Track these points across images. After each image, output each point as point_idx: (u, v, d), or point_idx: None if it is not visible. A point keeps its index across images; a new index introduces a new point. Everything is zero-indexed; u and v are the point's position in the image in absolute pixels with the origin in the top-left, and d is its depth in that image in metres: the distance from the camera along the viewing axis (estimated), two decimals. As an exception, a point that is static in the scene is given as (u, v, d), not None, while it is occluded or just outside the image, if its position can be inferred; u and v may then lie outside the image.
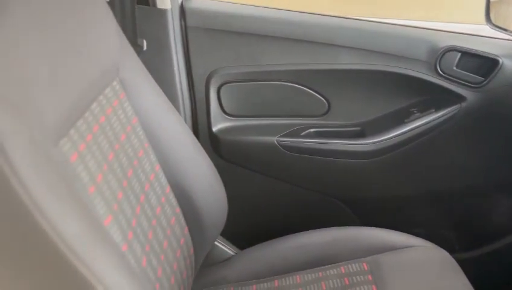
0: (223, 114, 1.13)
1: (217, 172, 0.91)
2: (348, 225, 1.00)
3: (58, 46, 0.58)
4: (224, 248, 1.11)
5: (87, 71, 0.65)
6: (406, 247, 0.92)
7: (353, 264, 0.89)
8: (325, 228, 0.98)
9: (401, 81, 1.08)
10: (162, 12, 1.01)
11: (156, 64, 1.02)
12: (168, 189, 0.81)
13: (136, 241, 0.66)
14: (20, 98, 0.47)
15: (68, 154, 0.56)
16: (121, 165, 0.69)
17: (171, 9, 1.02)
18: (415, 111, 1.08)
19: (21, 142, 0.44)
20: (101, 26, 0.73)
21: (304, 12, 1.11)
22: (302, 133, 1.13)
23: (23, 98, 0.47)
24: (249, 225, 1.19)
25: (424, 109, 1.08)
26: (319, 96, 1.13)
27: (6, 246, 0.45)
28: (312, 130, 1.14)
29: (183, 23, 1.05)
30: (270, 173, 1.17)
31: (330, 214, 1.22)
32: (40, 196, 0.44)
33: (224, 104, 1.12)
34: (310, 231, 0.98)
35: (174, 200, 0.82)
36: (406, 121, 1.08)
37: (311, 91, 1.12)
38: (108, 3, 0.95)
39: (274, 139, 1.11)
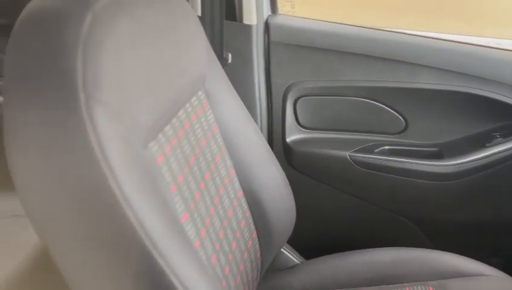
0: (298, 126, 1.17)
1: (287, 181, 0.94)
2: (416, 246, 0.98)
3: (154, 59, 0.65)
4: (290, 255, 1.14)
5: (178, 81, 0.72)
6: (477, 275, 0.89)
7: (419, 287, 0.88)
8: (392, 247, 0.97)
9: (483, 104, 1.05)
10: (248, 28, 1.07)
11: (238, 76, 1.09)
12: (240, 193, 0.87)
13: (208, 239, 0.72)
14: (120, 104, 0.54)
15: (155, 156, 0.63)
16: (200, 168, 0.75)
17: (257, 25, 1.08)
18: (498, 136, 1.04)
19: (118, 144, 0.52)
20: (192, 40, 0.80)
21: (384, 31, 1.12)
22: (376, 150, 1.13)
23: (122, 104, 0.54)
24: (316, 236, 1.21)
25: (507, 134, 1.03)
26: (396, 114, 1.12)
27: (98, 235, 0.53)
28: (386, 147, 1.14)
29: (266, 38, 1.10)
30: (340, 186, 1.18)
31: (399, 233, 1.20)
32: (130, 191, 0.51)
33: (299, 116, 1.16)
34: (377, 248, 0.98)
35: (245, 205, 0.87)
36: (487, 145, 1.04)
37: (388, 108, 1.12)
38: (200, 18, 1.03)
39: (347, 153, 1.12)
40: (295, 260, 1.10)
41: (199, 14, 1.06)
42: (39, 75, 0.50)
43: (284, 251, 1.13)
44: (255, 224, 0.89)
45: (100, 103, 0.50)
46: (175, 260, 0.53)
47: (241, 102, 0.90)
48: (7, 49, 0.52)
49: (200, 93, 0.81)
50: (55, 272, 0.56)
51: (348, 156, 1.12)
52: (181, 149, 0.71)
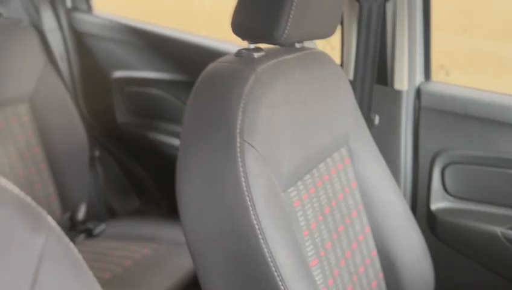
0: (445, 194, 1.12)
1: (427, 249, 0.92)
2: None
3: (303, 115, 0.74)
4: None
5: (322, 137, 0.79)
6: None
7: None
8: None
9: None
10: (398, 93, 1.11)
11: (384, 137, 1.12)
12: (374, 252, 0.87)
13: (334, 289, 0.75)
14: (267, 150, 0.63)
15: (293, 200, 0.70)
16: (333, 219, 0.79)
17: (407, 90, 1.11)
18: None
19: (261, 183, 0.61)
20: (341, 101, 0.87)
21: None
22: (535, 231, 1.02)
23: (269, 151, 0.64)
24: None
25: None
26: None
27: (236, 257, 0.61)
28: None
29: (417, 103, 1.12)
30: (488, 265, 1.08)
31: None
32: (267, 225, 0.59)
33: (447, 184, 1.12)
34: None
35: (378, 265, 0.87)
36: None
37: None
38: (351, 82, 1.10)
39: (499, 230, 1.03)
40: None
41: (351, 78, 1.13)
42: (208, 120, 0.63)
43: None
44: (387, 286, 0.88)
45: (251, 147, 0.61)
46: None
47: (384, 163, 0.93)
48: (189, 99, 0.67)
49: (342, 149, 0.87)
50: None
51: (499, 233, 1.03)
52: (317, 198, 0.76)
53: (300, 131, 0.73)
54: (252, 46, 0.72)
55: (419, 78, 1.12)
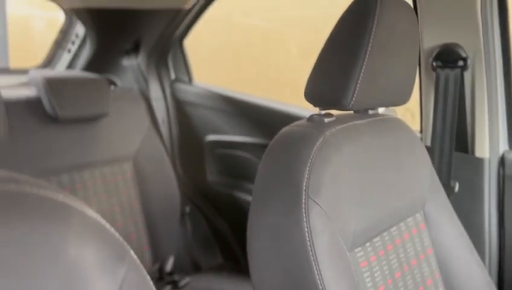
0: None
1: None
2: None
3: (372, 178, 0.77)
4: None
5: (393, 201, 0.81)
6: None
7: None
8: None
9: None
10: (480, 161, 1.08)
11: (465, 206, 1.08)
12: (450, 325, 0.84)
13: None
14: (332, 209, 0.67)
15: (359, 260, 0.72)
16: (405, 286, 0.79)
17: (490, 158, 1.08)
18: None
19: (325, 240, 0.64)
20: (416, 167, 0.89)
21: None
22: None
23: (334, 209, 0.68)
24: None
25: None
26: None
27: None
28: None
29: (501, 171, 1.08)
30: None
31: None
32: (330, 283, 0.62)
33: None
34: None
35: None
36: None
37: None
38: (428, 148, 1.11)
39: None
40: None
41: (429, 144, 1.14)
42: (278, 178, 0.70)
43: None
44: None
45: (316, 205, 0.65)
46: None
47: (465, 232, 0.91)
48: (262, 159, 0.74)
49: (417, 215, 0.87)
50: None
51: None
52: (387, 261, 0.77)
53: (369, 193, 0.75)
54: (323, 112, 0.78)
55: (502, 146, 1.09)
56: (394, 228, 0.81)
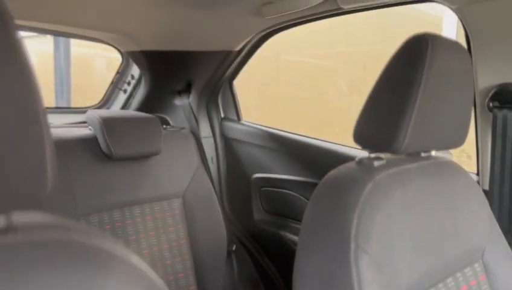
0: None
1: None
2: None
3: (426, 224, 0.73)
4: None
5: (450, 249, 0.77)
6: None
7: None
8: None
9: None
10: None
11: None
12: None
13: None
14: (383, 258, 0.64)
15: None
16: None
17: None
18: None
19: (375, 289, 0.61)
20: (473, 212, 0.84)
21: None
22: None
23: (385, 258, 0.65)
24: None
25: None
26: None
27: None
28: None
29: None
30: None
31: None
32: None
33: None
34: None
35: None
36: None
37: None
38: (486, 191, 1.05)
39: None
40: None
41: (486, 187, 1.07)
42: (325, 223, 0.68)
43: None
44: None
45: (366, 254, 0.63)
46: None
47: None
48: (309, 201, 0.73)
49: (476, 265, 0.82)
50: None
51: None
52: None
53: (423, 241, 0.72)
54: (373, 155, 0.77)
55: None
56: (450, 279, 0.76)
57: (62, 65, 3.82)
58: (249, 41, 1.57)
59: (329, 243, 0.66)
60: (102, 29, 1.46)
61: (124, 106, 1.88)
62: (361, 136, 0.77)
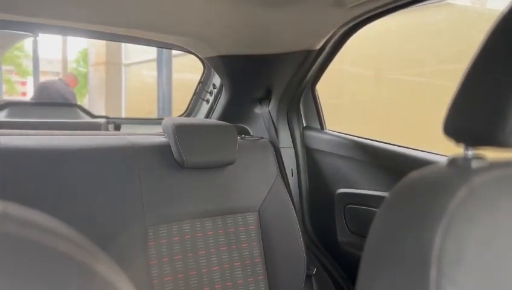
0: None
1: None
2: None
3: None
4: None
5: None
6: None
7: None
8: None
9: None
10: None
11: None
12: None
13: None
14: None
15: None
16: None
17: None
18: None
19: None
20: None
21: None
22: None
23: None
24: None
25: None
26: None
27: None
28: None
29: None
30: None
31: None
32: None
33: None
34: None
35: None
36: None
37: None
38: None
39: None
40: None
41: None
42: (394, 237, 0.50)
43: None
44: None
45: (454, 285, 0.43)
46: None
47: None
48: (378, 210, 0.55)
49: None
50: None
51: None
52: None
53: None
54: (470, 153, 0.56)
55: None
56: None
57: (164, 86, 4.37)
58: (330, 38, 1.42)
59: (401, 265, 0.48)
60: (177, 34, 1.43)
61: (206, 117, 1.84)
62: (455, 127, 0.57)
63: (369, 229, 0.56)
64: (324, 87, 1.66)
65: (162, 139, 1.38)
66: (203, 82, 1.84)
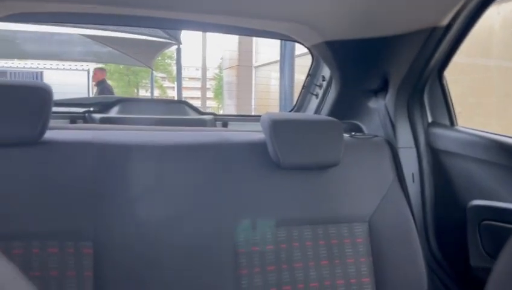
0: None
1: None
2: None
3: None
4: None
5: None
6: None
7: None
8: None
9: None
10: None
11: None
12: None
13: None
14: None
15: None
16: None
17: None
18: None
19: None
20: None
21: None
22: None
23: None
24: None
25: None
26: None
27: None
28: None
29: None
30: None
31: None
32: None
33: None
34: None
35: None
36: None
37: None
38: None
39: None
40: None
41: None
42: None
43: None
44: None
45: None
46: None
47: None
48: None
49: None
50: None
51: None
52: None
53: None
54: None
55: None
56: None
57: (286, 85, 4.54)
58: (458, 13, 1.18)
59: None
60: (279, 19, 1.32)
61: (316, 113, 1.70)
62: None
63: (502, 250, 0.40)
64: (458, 84, 1.39)
65: (260, 136, 1.28)
66: (312, 74, 1.70)
